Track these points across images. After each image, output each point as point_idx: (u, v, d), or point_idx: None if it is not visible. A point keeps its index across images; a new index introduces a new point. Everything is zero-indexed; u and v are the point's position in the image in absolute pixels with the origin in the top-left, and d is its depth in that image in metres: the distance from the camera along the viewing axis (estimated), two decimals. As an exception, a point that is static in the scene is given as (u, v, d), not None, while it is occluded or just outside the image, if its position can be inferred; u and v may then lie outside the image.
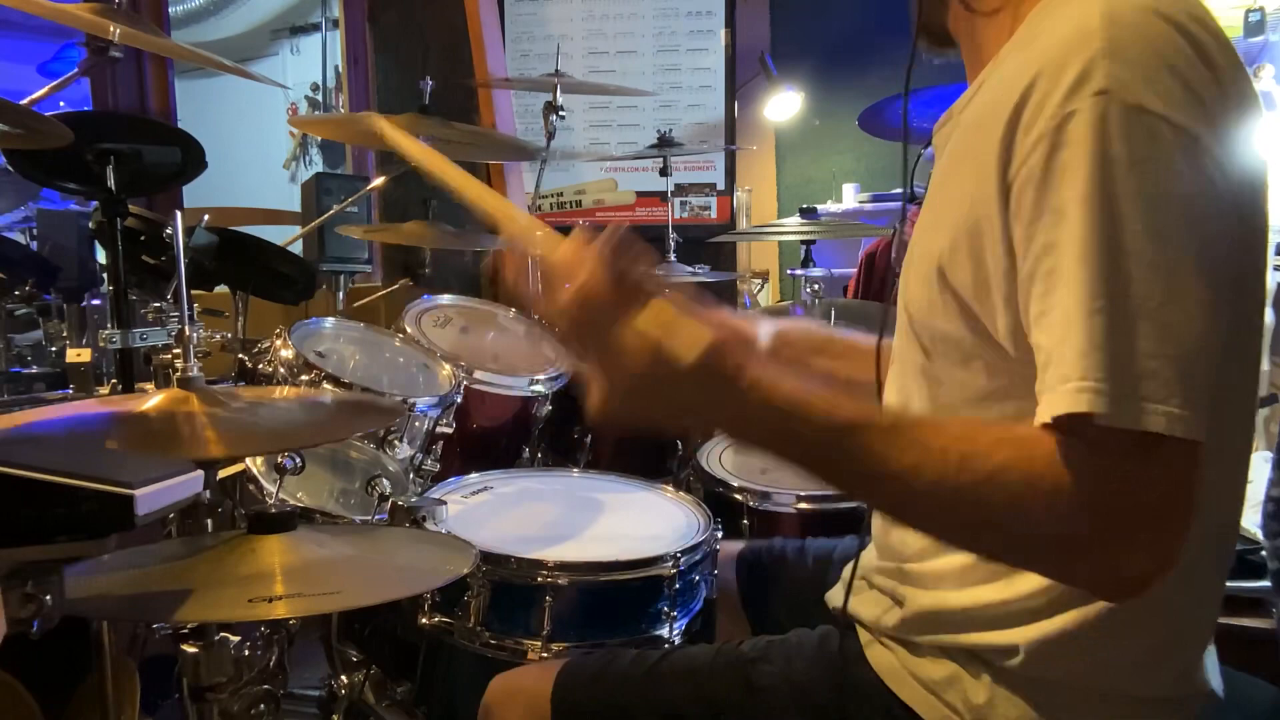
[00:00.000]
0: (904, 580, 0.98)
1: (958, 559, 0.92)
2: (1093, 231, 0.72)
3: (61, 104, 2.84)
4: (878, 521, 1.04)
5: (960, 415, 0.88)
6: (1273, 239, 2.33)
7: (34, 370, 2.27)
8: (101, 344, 1.72)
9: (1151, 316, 0.71)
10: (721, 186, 3.95)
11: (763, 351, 0.81)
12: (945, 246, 0.85)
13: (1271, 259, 2.29)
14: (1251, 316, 0.84)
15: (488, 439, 2.01)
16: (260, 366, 1.80)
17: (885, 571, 1.00)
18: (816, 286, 2.53)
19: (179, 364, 1.16)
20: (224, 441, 1.07)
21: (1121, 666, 0.87)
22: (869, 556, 1.04)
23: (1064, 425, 0.72)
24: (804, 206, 2.74)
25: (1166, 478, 0.72)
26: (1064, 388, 0.72)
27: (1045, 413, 0.73)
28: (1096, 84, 0.73)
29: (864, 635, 1.00)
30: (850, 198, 4.56)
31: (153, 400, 1.11)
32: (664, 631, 1.35)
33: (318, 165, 6.07)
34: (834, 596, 1.09)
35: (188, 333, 1.15)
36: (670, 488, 1.64)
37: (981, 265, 0.82)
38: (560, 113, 2.83)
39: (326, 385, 1.72)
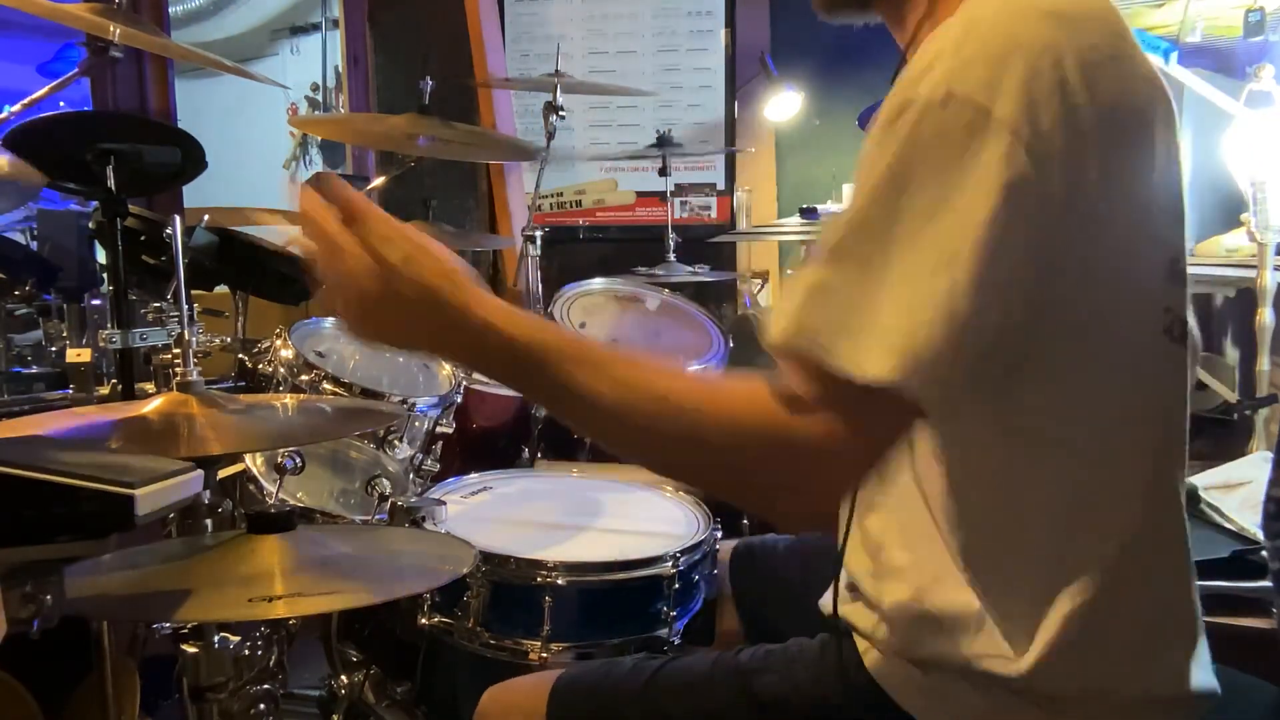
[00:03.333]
0: (879, 580, 0.97)
1: (921, 558, 0.93)
2: (880, 187, 0.77)
3: (61, 104, 2.83)
4: (856, 522, 1.03)
5: None
6: (1273, 240, 2.33)
7: (34, 370, 2.27)
8: (101, 344, 1.72)
9: (907, 280, 0.75)
10: (721, 186, 3.95)
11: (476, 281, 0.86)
12: None
13: (1271, 259, 2.29)
14: (1136, 321, 0.86)
15: (488, 439, 2.01)
16: (260, 367, 1.80)
17: (866, 575, 1.00)
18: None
19: (178, 367, 1.15)
20: (223, 441, 1.07)
21: (1113, 669, 0.87)
22: (855, 562, 1.03)
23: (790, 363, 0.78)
24: (804, 206, 2.74)
25: (852, 414, 0.76)
26: (779, 308, 0.80)
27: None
28: (933, 77, 0.77)
29: (861, 643, 1.00)
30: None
31: (152, 404, 1.11)
32: (663, 632, 1.35)
33: (318, 165, 6.06)
34: (826, 603, 1.09)
35: (187, 336, 1.15)
36: (670, 487, 1.64)
37: None
38: (560, 113, 2.83)
39: (327, 385, 1.72)
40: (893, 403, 0.76)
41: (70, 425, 1.12)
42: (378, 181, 3.08)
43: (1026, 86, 0.75)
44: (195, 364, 1.16)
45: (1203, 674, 0.92)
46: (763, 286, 4.61)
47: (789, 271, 3.96)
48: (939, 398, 0.77)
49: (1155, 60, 0.88)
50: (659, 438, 0.83)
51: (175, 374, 1.17)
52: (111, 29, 1.61)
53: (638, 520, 1.53)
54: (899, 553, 0.95)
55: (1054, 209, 0.77)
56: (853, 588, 1.01)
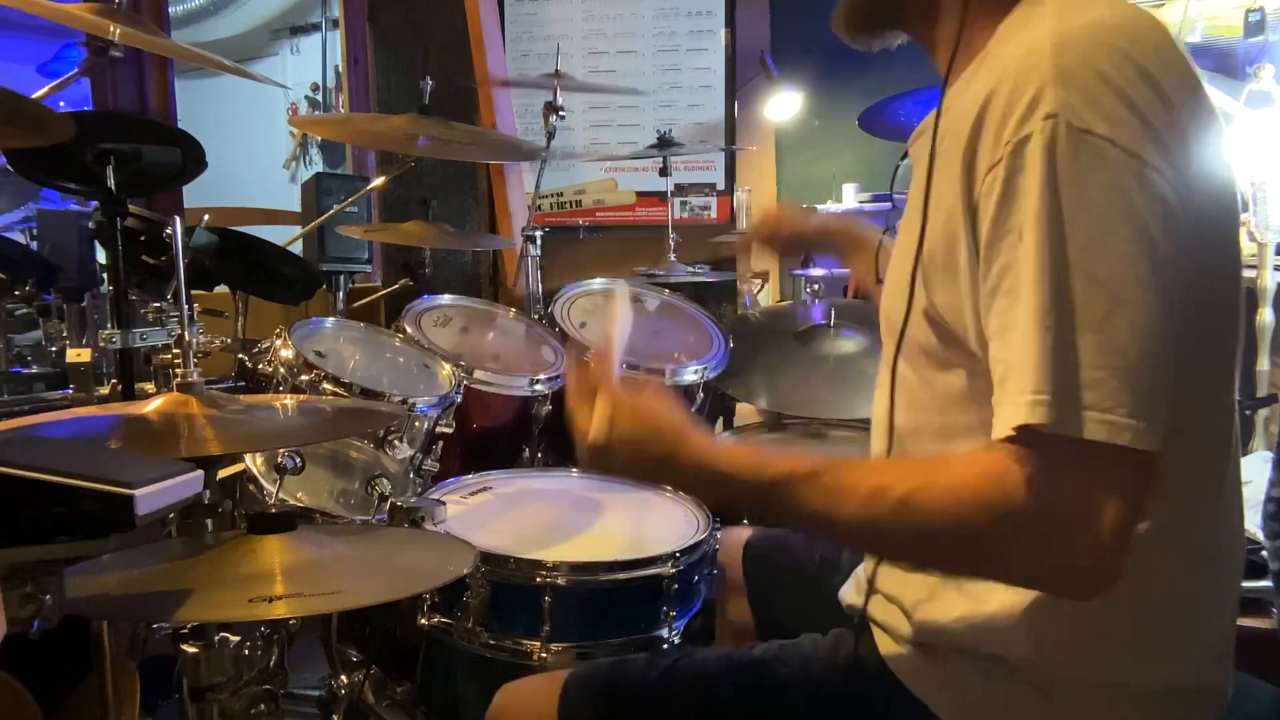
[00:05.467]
0: (903, 583, 0.98)
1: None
2: (1044, 250, 0.76)
3: (62, 104, 2.84)
4: None
5: (935, 420, 0.92)
6: (1273, 240, 2.33)
7: (34, 370, 2.27)
8: (101, 344, 1.72)
9: (1095, 329, 0.75)
10: (721, 186, 3.95)
11: (701, 427, 0.95)
12: (924, 261, 0.90)
13: (1271, 259, 2.29)
14: (1219, 329, 0.86)
15: (488, 439, 2.00)
16: (260, 367, 1.80)
17: (887, 575, 1.00)
18: (816, 286, 2.53)
19: (178, 368, 1.15)
20: (223, 441, 1.07)
21: (1127, 660, 0.88)
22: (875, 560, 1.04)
23: (1018, 437, 0.76)
24: (804, 206, 2.73)
25: (1106, 483, 0.74)
26: (1021, 399, 0.76)
27: (1004, 424, 0.77)
28: (1046, 108, 0.77)
29: (879, 635, 1.00)
30: (850, 198, 4.55)
31: (152, 404, 1.11)
32: (663, 632, 1.35)
33: (318, 165, 6.07)
34: (847, 593, 1.10)
35: (187, 337, 1.15)
36: (670, 488, 1.64)
37: (956, 281, 0.86)
38: (560, 113, 2.83)
39: (326, 385, 1.72)
40: (1123, 455, 0.74)
41: (70, 425, 1.12)
42: (378, 181, 3.08)
43: (1138, 108, 0.77)
44: (195, 364, 1.16)
45: (1223, 674, 0.92)
46: (762, 286, 4.62)
47: (792, 270, 3.96)
48: (1161, 427, 0.75)
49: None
50: (901, 536, 0.83)
51: (175, 374, 1.17)
52: (111, 29, 1.61)
53: (637, 520, 1.53)
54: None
55: (1180, 221, 0.77)
56: (872, 578, 1.02)
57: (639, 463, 0.93)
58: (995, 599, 0.90)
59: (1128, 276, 0.75)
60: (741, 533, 1.43)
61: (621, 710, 1.05)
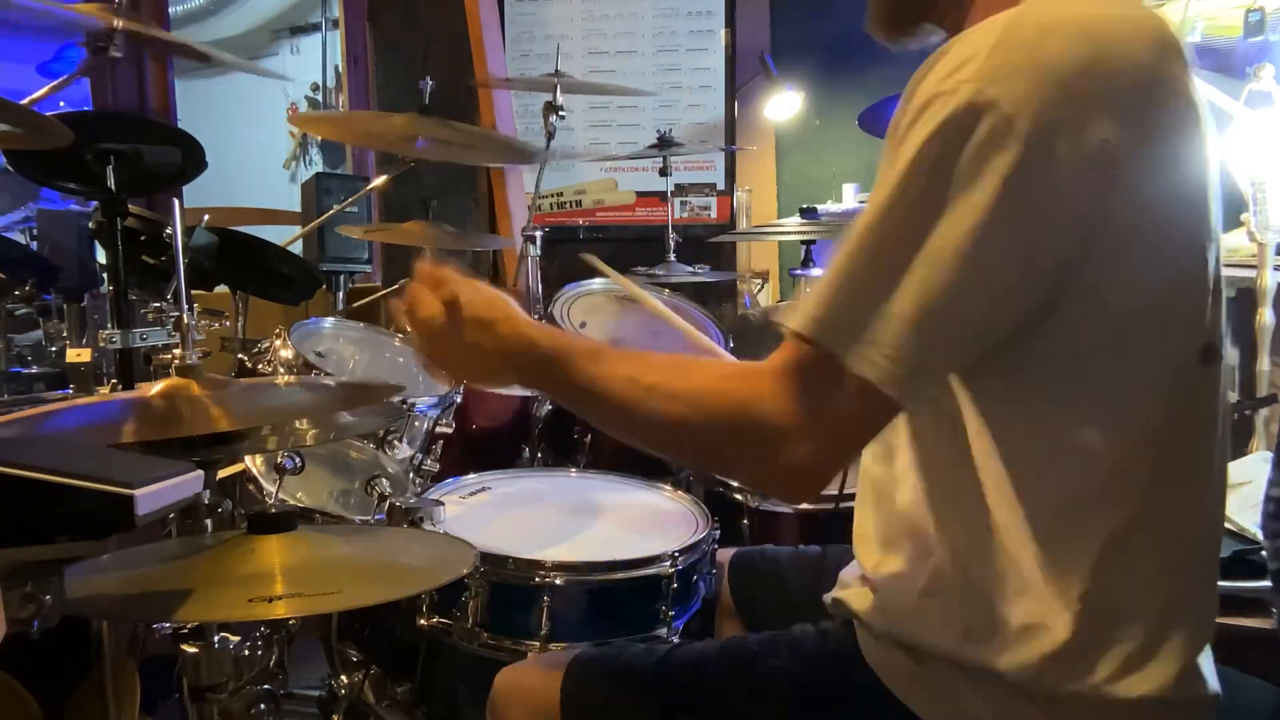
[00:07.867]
0: (881, 566, 0.99)
1: (925, 546, 0.94)
2: (900, 191, 0.80)
3: (61, 104, 2.84)
4: (873, 508, 1.04)
5: None
6: (1273, 240, 2.33)
7: (34, 370, 2.27)
8: (101, 344, 1.72)
9: (899, 276, 0.78)
10: (721, 186, 3.95)
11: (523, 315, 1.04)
12: None
13: (1271, 259, 2.29)
14: (1136, 333, 0.84)
15: (488, 439, 2.01)
16: (260, 366, 1.80)
17: (871, 565, 1.01)
18: (817, 286, 2.53)
19: (178, 352, 1.15)
20: (232, 417, 1.07)
21: (1118, 670, 0.87)
22: (864, 554, 1.04)
23: (793, 354, 0.83)
24: (804, 206, 2.73)
25: (848, 414, 0.81)
26: (805, 309, 0.82)
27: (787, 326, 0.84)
28: (966, 73, 0.78)
29: (862, 634, 1.00)
30: (850, 198, 4.54)
31: (155, 389, 1.11)
32: (662, 631, 1.35)
33: (318, 165, 6.06)
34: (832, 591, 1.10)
35: (185, 320, 1.15)
36: (669, 487, 1.64)
37: None
38: (560, 113, 2.83)
39: (326, 385, 1.72)
40: (867, 397, 0.79)
41: (75, 414, 1.12)
42: (378, 181, 3.08)
43: (1049, 103, 0.76)
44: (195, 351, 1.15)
45: (1211, 677, 0.91)
46: (763, 286, 4.61)
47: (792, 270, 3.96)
48: (918, 395, 0.82)
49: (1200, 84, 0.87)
50: (645, 418, 0.91)
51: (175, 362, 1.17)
52: (115, 23, 1.61)
53: (637, 520, 1.53)
54: (905, 540, 0.96)
55: (1062, 225, 0.78)
56: (863, 578, 1.02)
57: (476, 335, 0.99)
58: (973, 600, 0.90)
59: (954, 244, 0.77)
60: (723, 553, 1.43)
61: (622, 695, 1.07)
